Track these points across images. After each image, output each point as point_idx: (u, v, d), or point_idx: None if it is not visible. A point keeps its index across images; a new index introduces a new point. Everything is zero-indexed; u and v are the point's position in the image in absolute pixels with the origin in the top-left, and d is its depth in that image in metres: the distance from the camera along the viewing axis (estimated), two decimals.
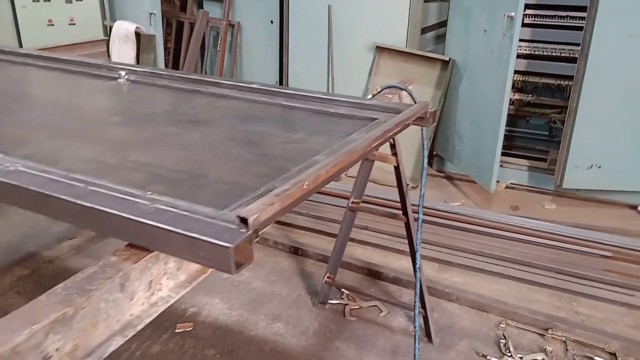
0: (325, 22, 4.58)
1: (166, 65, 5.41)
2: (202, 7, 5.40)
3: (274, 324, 2.77)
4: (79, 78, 2.35)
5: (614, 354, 2.58)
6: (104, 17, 5.55)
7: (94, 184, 1.13)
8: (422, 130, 2.20)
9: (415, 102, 2.29)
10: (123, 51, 5.20)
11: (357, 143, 1.38)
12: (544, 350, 2.60)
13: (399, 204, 2.47)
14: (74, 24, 5.35)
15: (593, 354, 2.59)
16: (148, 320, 1.09)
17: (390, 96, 2.29)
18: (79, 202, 1.05)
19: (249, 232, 0.92)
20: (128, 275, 1.00)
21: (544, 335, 2.72)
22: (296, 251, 3.40)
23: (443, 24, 5.14)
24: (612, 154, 4.01)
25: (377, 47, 4.55)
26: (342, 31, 4.58)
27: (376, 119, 1.77)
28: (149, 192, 1.09)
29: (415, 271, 2.42)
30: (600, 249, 3.47)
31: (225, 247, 0.89)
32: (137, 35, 5.13)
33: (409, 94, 2.35)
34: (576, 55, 4.24)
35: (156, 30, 5.15)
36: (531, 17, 4.48)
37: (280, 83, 4.87)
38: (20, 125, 1.68)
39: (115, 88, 2.21)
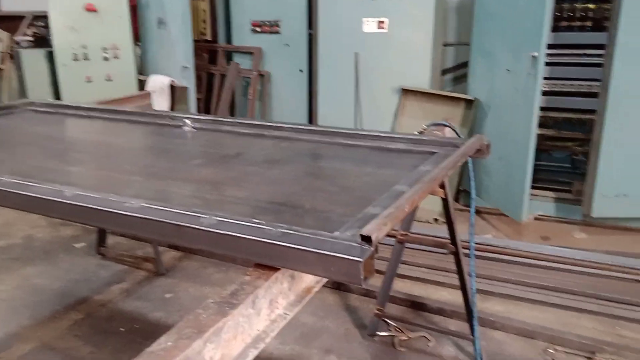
0: (352, 68, 4.83)
1: None
2: (231, 59, 5.69)
3: (327, 356, 2.86)
4: (147, 127, 2.55)
5: None
6: (138, 72, 5.86)
7: (215, 215, 1.29)
8: (469, 162, 2.36)
9: (459, 137, 2.47)
10: (158, 103, 5.47)
11: (435, 172, 1.54)
12: None
13: (436, 239, 2.60)
14: (111, 80, 5.64)
15: None
16: (273, 335, 1.22)
17: (438, 132, 2.46)
18: (212, 230, 1.20)
19: (372, 248, 1.07)
20: (257, 293, 1.14)
21: (591, 358, 2.78)
22: (339, 286, 3.50)
23: (461, 65, 5.39)
24: (637, 181, 4.13)
25: (403, 89, 4.77)
26: (369, 75, 4.83)
27: (435, 152, 1.94)
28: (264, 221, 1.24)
29: (469, 296, 2.52)
30: (636, 274, 3.55)
31: (357, 261, 1.03)
32: (172, 87, 5.42)
33: (453, 129, 2.53)
34: (594, 90, 4.44)
35: (189, 83, 5.44)
36: (550, 56, 4.70)
37: None
38: (114, 169, 1.86)
39: (184, 135, 2.40)
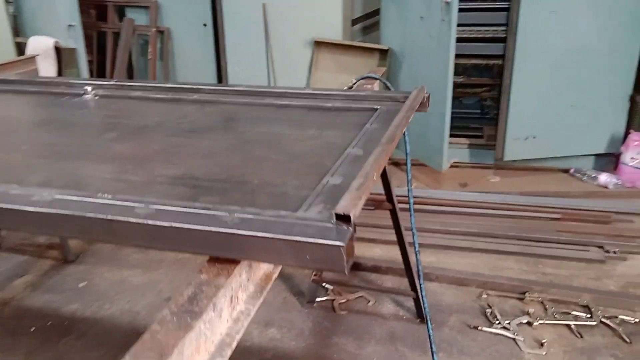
0: (261, 21, 4.53)
1: None
2: (124, 15, 5.15)
3: (268, 330, 2.73)
4: (40, 97, 2.18)
5: (586, 306, 2.79)
6: (14, 34, 5.13)
7: (150, 202, 1.06)
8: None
9: (390, 89, 2.35)
10: (43, 67, 4.84)
11: (391, 131, 1.39)
12: (527, 313, 2.75)
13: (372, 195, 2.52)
14: None
15: (569, 308, 2.79)
16: (238, 337, 1.04)
17: (368, 86, 2.32)
18: (152, 222, 0.98)
19: (352, 229, 0.91)
20: (217, 292, 0.96)
21: (522, 299, 2.88)
22: None
23: (370, 14, 5.27)
24: (545, 124, 4.31)
25: (316, 42, 4.57)
26: (279, 28, 4.57)
27: (377, 108, 1.80)
28: (210, 203, 1.04)
29: (410, 254, 2.48)
30: (549, 212, 3.74)
31: (338, 246, 0.87)
32: (57, 49, 4.81)
33: (384, 82, 2.40)
34: (500, 35, 4.53)
35: (77, 43, 4.85)
36: (461, 2, 4.70)
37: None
38: (9, 150, 1.54)
39: (86, 104, 2.07)
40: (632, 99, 4.31)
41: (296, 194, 1.16)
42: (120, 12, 5.19)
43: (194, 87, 2.14)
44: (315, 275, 2.81)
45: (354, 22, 5.16)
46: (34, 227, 1.12)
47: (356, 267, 3.21)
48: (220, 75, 4.76)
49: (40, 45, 4.88)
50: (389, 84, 2.38)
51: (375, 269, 3.17)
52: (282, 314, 2.83)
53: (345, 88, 2.36)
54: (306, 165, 1.36)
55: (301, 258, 0.91)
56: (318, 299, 2.91)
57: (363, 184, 1.05)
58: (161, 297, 3.00)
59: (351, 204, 0.95)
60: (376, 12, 5.33)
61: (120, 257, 3.40)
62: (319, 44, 4.60)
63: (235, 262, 0.99)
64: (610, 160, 4.56)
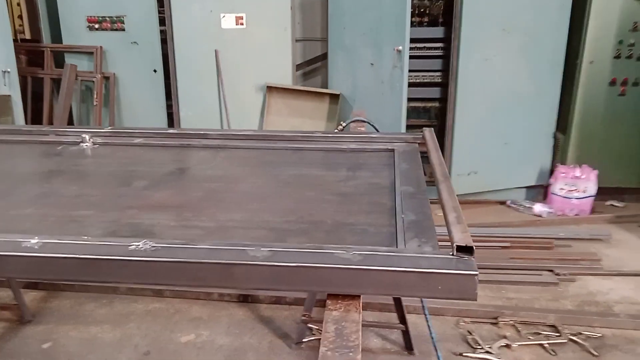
0: (213, 67, 4.57)
1: None
2: (60, 61, 4.96)
3: None
4: (32, 147, 2.08)
5: (553, 326, 3.02)
6: None
7: (252, 246, 1.08)
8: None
9: (378, 131, 2.49)
10: None
11: (441, 169, 1.51)
12: (504, 336, 2.93)
13: None
14: None
15: (538, 329, 3.00)
16: None
17: (361, 128, 2.45)
18: (271, 263, 1.00)
19: (473, 259, 1.00)
20: (357, 326, 0.99)
21: (496, 323, 3.07)
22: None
23: (311, 61, 5.50)
24: (484, 160, 4.68)
25: (268, 86, 4.68)
26: (231, 73, 4.63)
27: (393, 149, 1.92)
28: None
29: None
30: (499, 241, 4.03)
31: (472, 275, 0.95)
32: None
33: (372, 125, 2.54)
34: (437, 80, 4.92)
35: (13, 90, 4.59)
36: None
37: None
38: (45, 205, 1.46)
39: (88, 153, 2.00)
40: (555, 137, 4.82)
41: (380, 231, 1.23)
42: (56, 58, 4.99)
43: (199, 132, 2.15)
44: (304, 315, 2.81)
45: (298, 67, 5.35)
46: (138, 278, 1.09)
47: None
48: (172, 121, 4.70)
49: None
50: (376, 126, 2.51)
51: None
52: (271, 357, 2.80)
53: (336, 130, 2.47)
54: (365, 204, 1.43)
55: (432, 289, 0.97)
56: (304, 340, 2.91)
57: (458, 217, 1.14)
58: (139, 351, 2.85)
59: (467, 236, 1.04)
60: (316, 59, 5.58)
61: (82, 313, 3.19)
62: (270, 89, 4.71)
63: (354, 297, 1.03)
64: (539, 191, 5.01)
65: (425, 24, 4.96)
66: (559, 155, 4.86)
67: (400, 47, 3.95)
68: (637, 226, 4.31)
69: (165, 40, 4.62)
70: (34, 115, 5.02)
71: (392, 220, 1.28)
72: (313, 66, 5.62)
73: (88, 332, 3.01)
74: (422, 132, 2.02)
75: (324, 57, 5.57)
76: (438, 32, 4.95)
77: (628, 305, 3.22)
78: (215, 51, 4.55)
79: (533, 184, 4.94)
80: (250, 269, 1.02)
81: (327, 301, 1.03)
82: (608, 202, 4.83)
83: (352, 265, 1.00)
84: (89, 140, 2.09)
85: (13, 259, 1.08)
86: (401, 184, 1.52)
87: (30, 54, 5.19)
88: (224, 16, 4.51)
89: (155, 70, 4.62)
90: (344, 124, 2.54)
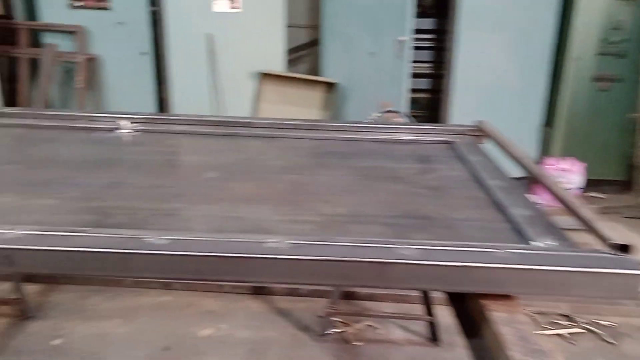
0: (205, 51, 4.42)
1: None
2: (36, 40, 4.66)
3: None
4: (64, 133, 1.93)
5: (566, 315, 3.09)
6: None
7: (386, 242, 1.05)
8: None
9: (411, 123, 2.48)
10: None
11: (529, 162, 1.51)
12: None
13: None
14: None
15: (553, 319, 3.06)
16: None
17: (397, 119, 2.43)
18: (434, 263, 0.97)
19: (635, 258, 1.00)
20: (531, 327, 0.97)
21: None
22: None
23: (299, 48, 5.41)
24: None
25: (262, 73, 4.57)
26: (224, 59, 4.48)
27: (452, 141, 1.90)
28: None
29: None
30: None
31: (636, 274, 0.95)
32: None
33: (407, 116, 2.52)
34: (428, 72, 4.97)
35: None
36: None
37: None
38: (121, 197, 1.36)
39: (129, 140, 1.89)
40: (543, 130, 4.96)
41: (500, 227, 1.21)
42: (32, 37, 4.68)
43: (242, 120, 2.07)
44: (330, 307, 2.78)
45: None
46: (283, 277, 1.03)
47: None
48: (162, 106, 4.51)
49: None
50: (410, 118, 2.50)
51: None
52: (297, 350, 2.75)
53: (367, 120, 2.44)
54: (462, 198, 1.41)
55: (597, 289, 0.97)
56: (328, 332, 2.88)
57: (592, 214, 1.14)
58: (156, 347, 2.73)
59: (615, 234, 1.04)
60: (303, 47, 5.50)
61: (87, 308, 3.04)
62: (264, 76, 4.61)
63: (509, 297, 1.01)
64: (526, 183, 5.14)
65: (418, 15, 4.97)
66: (545, 148, 5.00)
67: (404, 38, 3.94)
68: (621, 217, 4.50)
69: (154, 22, 4.42)
70: (8, 97, 4.70)
71: (502, 215, 1.27)
72: (299, 54, 5.53)
73: (98, 327, 2.87)
74: (476, 124, 2.02)
75: (310, 44, 5.50)
76: (430, 23, 4.98)
77: None
78: (208, 35, 4.39)
79: (521, 176, 5.06)
80: (406, 268, 0.98)
81: (481, 301, 1.00)
82: (589, 194, 5.02)
83: (514, 265, 0.97)
84: (128, 126, 1.96)
85: (139, 257, 1.00)
86: (486, 177, 1.51)
87: (3, 31, 4.83)
88: None
89: (143, 53, 4.41)
90: (377, 114, 2.51)
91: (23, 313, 2.91)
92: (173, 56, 4.37)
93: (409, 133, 2.00)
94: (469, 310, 1.08)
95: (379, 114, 2.51)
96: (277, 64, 4.66)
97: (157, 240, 1.02)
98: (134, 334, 2.83)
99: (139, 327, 2.89)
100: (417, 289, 1.09)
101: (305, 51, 5.56)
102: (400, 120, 2.43)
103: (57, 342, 2.73)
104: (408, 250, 1.00)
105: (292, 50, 5.44)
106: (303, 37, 5.47)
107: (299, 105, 4.70)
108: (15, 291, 2.90)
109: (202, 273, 1.00)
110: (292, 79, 4.68)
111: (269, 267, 0.99)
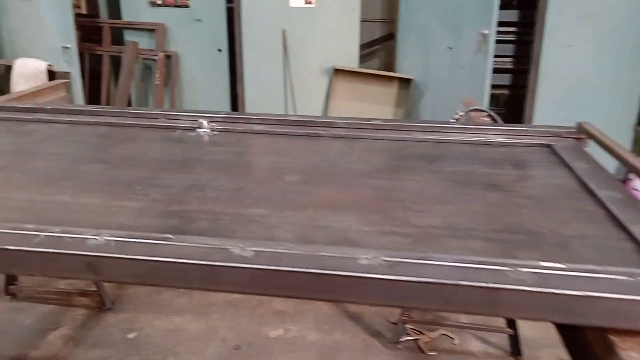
0: (280, 47, 4.40)
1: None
2: (118, 38, 4.82)
3: None
4: (145, 131, 1.94)
5: None
6: None
7: (494, 263, 0.93)
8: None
9: (497, 122, 2.31)
10: None
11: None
12: None
13: None
14: None
15: None
16: None
17: (484, 119, 2.27)
18: (550, 290, 0.84)
19: None
20: None
21: None
22: None
23: (371, 43, 5.29)
24: None
25: (335, 69, 4.49)
26: (297, 55, 4.45)
27: (550, 144, 1.74)
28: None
29: None
30: None
31: None
32: (51, 73, 4.40)
33: (492, 115, 2.35)
34: (508, 67, 4.70)
35: (72, 67, 4.47)
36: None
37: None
38: (208, 197, 1.32)
39: (210, 140, 1.86)
40: (636, 129, 4.56)
41: (619, 246, 1.07)
42: (115, 36, 4.85)
43: (323, 120, 2.00)
44: (405, 314, 2.67)
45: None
46: (377, 299, 0.94)
47: None
48: (236, 103, 4.54)
49: (29, 68, 4.46)
50: (497, 117, 2.33)
51: None
52: (368, 357, 2.67)
53: (452, 121, 2.30)
54: (571, 211, 1.26)
55: None
56: (402, 339, 2.77)
57: None
58: (228, 346, 2.73)
59: None
60: (376, 42, 5.37)
61: (161, 302, 3.09)
62: (337, 72, 4.53)
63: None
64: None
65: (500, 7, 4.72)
66: (639, 150, 4.61)
67: (487, 31, 3.73)
68: None
69: (230, 19, 4.44)
70: (91, 93, 4.90)
71: (623, 233, 1.11)
72: (372, 48, 5.42)
73: (171, 322, 2.91)
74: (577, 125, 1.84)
75: (383, 39, 5.38)
76: (512, 15, 4.72)
77: None
78: (283, 30, 4.37)
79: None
80: (520, 295, 0.86)
81: (610, 337, 0.87)
82: None
83: None
84: (207, 126, 1.94)
85: (226, 271, 0.94)
86: (597, 187, 1.34)
87: (85, 29, 5.05)
88: None
89: (220, 50, 4.45)
90: (460, 113, 2.36)
91: (100, 305, 3.00)
92: (247, 52, 4.38)
93: (500, 134, 1.85)
94: (588, 343, 0.94)
95: (463, 113, 2.35)
96: (351, 59, 4.57)
97: (243, 251, 0.96)
98: (206, 330, 2.84)
99: (211, 324, 2.90)
100: (531, 319, 0.96)
101: (378, 46, 5.44)
102: (487, 120, 2.26)
103: (132, 335, 2.79)
104: (521, 274, 0.88)
105: (364, 45, 5.33)
106: (376, 32, 5.36)
107: (372, 102, 4.58)
108: (93, 284, 3.00)
109: (291, 290, 0.93)
110: (366, 74, 4.57)
111: (363, 288, 0.90)
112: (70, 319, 2.93)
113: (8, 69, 4.54)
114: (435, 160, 1.64)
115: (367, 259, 0.94)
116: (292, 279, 0.92)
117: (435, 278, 0.88)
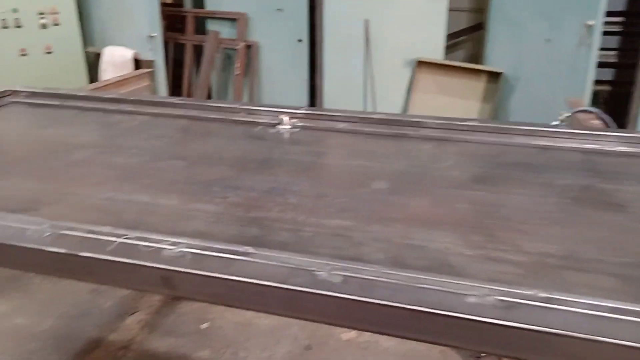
0: (362, 38, 4.25)
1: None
2: (201, 27, 4.86)
3: None
4: (229, 127, 1.87)
5: None
6: (86, 43, 4.84)
7: (628, 312, 0.75)
8: None
9: (609, 126, 2.06)
10: None
11: None
12: None
13: None
14: (51, 52, 4.62)
15: None
16: None
17: (594, 121, 2.02)
18: None
19: None
20: None
21: None
22: None
23: (456, 34, 5.01)
24: None
25: (418, 61, 4.29)
26: (379, 46, 4.28)
27: None
28: None
29: None
30: None
31: None
32: (136, 62, 4.52)
33: (602, 118, 2.10)
34: (610, 61, 4.28)
35: (157, 55, 4.56)
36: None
37: (312, 105, 4.46)
38: (289, 203, 1.22)
39: (292, 138, 1.76)
40: None
41: None
42: (198, 25, 4.90)
43: (411, 120, 1.84)
44: None
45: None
46: (476, 344, 0.80)
47: None
48: (314, 96, 4.46)
49: (116, 56, 4.60)
50: (610, 120, 2.07)
51: None
52: None
53: (555, 123, 2.06)
54: None
55: None
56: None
57: None
58: (299, 345, 2.67)
59: None
60: (463, 32, 5.09)
61: None
62: (420, 64, 4.32)
63: None
64: None
65: None
66: None
67: (592, 22, 3.39)
68: None
69: (311, 9, 4.35)
70: (174, 81, 5.00)
71: None
72: (458, 39, 5.14)
73: (243, 315, 2.88)
74: None
75: (471, 29, 5.08)
76: (617, 4, 4.30)
77: None
78: (365, 20, 4.21)
79: None
80: None
81: None
82: None
83: None
84: (288, 122, 1.84)
85: (309, 297, 0.83)
86: None
87: (169, 18, 5.14)
88: None
89: (300, 40, 4.37)
90: (565, 114, 2.12)
91: None
92: (328, 43, 4.27)
93: (618, 142, 1.62)
94: None
95: (568, 114, 2.11)
96: (435, 51, 4.35)
97: (330, 276, 0.84)
98: (278, 327, 2.79)
99: (283, 320, 2.84)
100: None
101: (464, 37, 5.15)
102: (597, 123, 2.02)
103: (204, 326, 2.79)
104: None
105: (450, 36, 5.07)
106: (463, 22, 5.07)
107: (457, 96, 4.34)
108: None
109: (384, 327, 0.80)
110: (451, 67, 4.33)
111: (470, 332, 0.76)
112: (146, 305, 2.97)
113: (97, 56, 4.71)
114: (544, 171, 1.45)
115: (475, 296, 0.79)
116: (385, 314, 0.80)
117: (564, 329, 0.73)
